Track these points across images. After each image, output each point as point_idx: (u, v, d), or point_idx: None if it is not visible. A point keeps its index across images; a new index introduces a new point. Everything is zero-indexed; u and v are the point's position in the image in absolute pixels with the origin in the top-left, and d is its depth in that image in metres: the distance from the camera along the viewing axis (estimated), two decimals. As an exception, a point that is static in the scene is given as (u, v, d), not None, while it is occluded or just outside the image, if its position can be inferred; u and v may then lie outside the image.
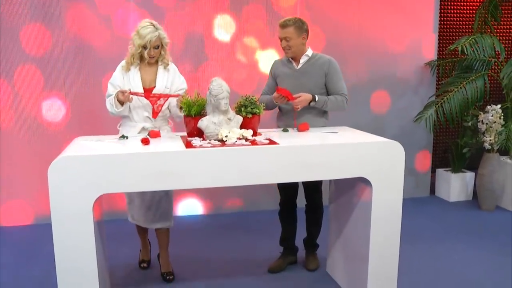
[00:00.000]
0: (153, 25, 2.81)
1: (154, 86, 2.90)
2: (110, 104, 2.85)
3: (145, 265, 3.28)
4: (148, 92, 2.87)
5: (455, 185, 4.79)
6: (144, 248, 3.32)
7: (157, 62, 2.95)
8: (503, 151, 4.58)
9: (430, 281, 3.07)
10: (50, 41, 3.94)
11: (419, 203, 4.72)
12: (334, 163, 2.47)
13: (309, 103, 2.93)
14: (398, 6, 4.53)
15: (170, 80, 2.95)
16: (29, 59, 3.93)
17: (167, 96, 2.85)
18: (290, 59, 3.06)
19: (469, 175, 4.82)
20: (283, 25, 2.93)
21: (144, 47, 2.81)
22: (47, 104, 4.04)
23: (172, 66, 2.98)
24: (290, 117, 3.04)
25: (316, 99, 2.93)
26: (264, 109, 2.81)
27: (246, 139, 2.50)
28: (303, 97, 2.89)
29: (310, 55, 3.03)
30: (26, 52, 3.92)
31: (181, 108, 2.73)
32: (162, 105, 2.85)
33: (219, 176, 2.34)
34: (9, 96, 3.96)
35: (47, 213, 4.04)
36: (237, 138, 2.49)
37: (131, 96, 2.76)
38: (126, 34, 3.94)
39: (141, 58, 2.90)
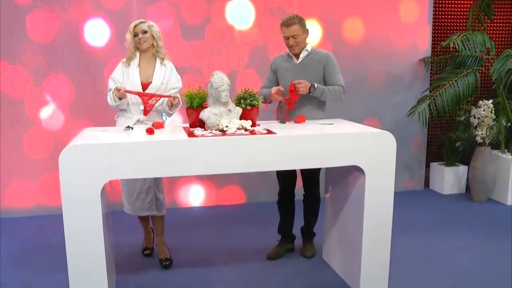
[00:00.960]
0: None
1: (151, 81, 3.08)
2: (110, 98, 3.03)
3: (148, 252, 3.41)
4: (144, 86, 3.05)
5: (449, 178, 4.92)
6: (147, 236, 3.46)
7: (155, 57, 3.11)
8: (495, 145, 4.73)
9: (422, 267, 3.20)
10: (55, 28, 4.06)
11: (414, 196, 4.85)
12: (329, 152, 2.60)
13: (309, 90, 3.03)
14: (393, 4, 4.67)
15: (167, 77, 3.12)
16: (35, 45, 4.05)
17: (159, 96, 3.02)
18: (291, 54, 3.18)
19: (462, 169, 4.95)
20: (289, 24, 3.04)
21: (135, 35, 3.04)
22: (50, 92, 4.17)
23: (169, 64, 3.16)
24: (288, 110, 3.15)
25: (315, 86, 3.03)
26: (262, 103, 2.94)
27: (246, 129, 2.63)
28: (305, 83, 3.00)
29: (309, 50, 3.17)
30: (31, 38, 4.03)
31: (170, 106, 3.00)
32: (153, 105, 3.02)
33: (219, 164, 2.47)
34: (12, 82, 4.09)
35: (49, 202, 4.21)
36: (237, 128, 2.62)
37: (125, 93, 2.95)
38: (126, 27, 4.06)
39: (141, 54, 3.09)
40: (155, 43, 3.09)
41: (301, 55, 3.16)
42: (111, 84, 3.07)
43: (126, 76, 3.07)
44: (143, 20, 3.09)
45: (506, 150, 4.72)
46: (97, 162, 2.31)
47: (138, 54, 3.10)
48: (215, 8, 4.32)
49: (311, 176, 3.27)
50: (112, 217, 3.08)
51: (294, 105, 3.06)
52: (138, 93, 2.99)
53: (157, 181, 3.18)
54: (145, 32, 3.04)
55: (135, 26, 3.04)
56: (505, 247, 3.51)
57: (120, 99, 2.97)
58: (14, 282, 3.00)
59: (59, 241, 3.48)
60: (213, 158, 2.45)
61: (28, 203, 4.27)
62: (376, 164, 2.66)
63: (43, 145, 4.20)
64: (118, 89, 2.93)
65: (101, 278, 2.44)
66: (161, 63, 3.12)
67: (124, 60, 3.12)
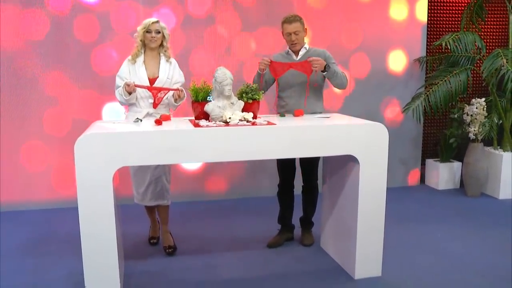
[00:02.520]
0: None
1: (157, 76, 3.26)
2: (119, 94, 3.21)
3: (154, 241, 3.58)
4: (151, 82, 3.24)
5: (443, 174, 5.08)
6: (153, 225, 3.62)
7: (159, 55, 3.30)
8: (487, 141, 4.89)
9: (416, 254, 3.35)
10: (68, 5, 4.21)
11: (410, 191, 5.00)
12: (326, 142, 2.78)
13: (324, 68, 3.16)
14: (389, 4, 4.86)
15: (171, 72, 3.32)
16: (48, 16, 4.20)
17: (167, 89, 3.20)
18: (289, 52, 3.36)
19: (456, 165, 5.11)
20: (291, 21, 3.23)
21: (147, 31, 3.20)
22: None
23: (173, 61, 3.36)
24: (288, 104, 3.33)
25: (329, 65, 3.18)
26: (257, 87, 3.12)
27: (247, 121, 2.81)
28: (321, 61, 3.14)
29: (307, 48, 3.35)
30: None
31: (176, 99, 3.19)
32: (162, 98, 3.20)
33: (223, 152, 2.65)
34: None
35: (58, 195, 4.38)
36: (239, 120, 2.79)
37: (134, 87, 3.13)
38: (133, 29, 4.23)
39: (145, 51, 3.27)
40: (164, 43, 3.27)
41: (300, 52, 3.33)
42: (119, 82, 3.24)
43: (132, 73, 3.24)
44: (159, 20, 3.24)
45: (498, 147, 4.89)
46: (110, 150, 2.49)
47: (143, 51, 3.28)
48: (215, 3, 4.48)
49: (310, 168, 3.44)
50: (121, 208, 3.25)
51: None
52: (147, 87, 3.17)
53: (166, 172, 3.35)
54: (158, 32, 3.22)
55: (151, 23, 3.19)
56: (496, 237, 3.66)
57: (130, 93, 3.14)
58: (25, 269, 3.15)
59: (68, 231, 3.67)
60: (217, 147, 2.62)
61: (36, 195, 4.42)
62: (369, 153, 2.83)
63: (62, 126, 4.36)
64: (128, 84, 3.10)
65: (113, 260, 2.61)
66: (167, 60, 3.30)
67: (129, 57, 3.28)
